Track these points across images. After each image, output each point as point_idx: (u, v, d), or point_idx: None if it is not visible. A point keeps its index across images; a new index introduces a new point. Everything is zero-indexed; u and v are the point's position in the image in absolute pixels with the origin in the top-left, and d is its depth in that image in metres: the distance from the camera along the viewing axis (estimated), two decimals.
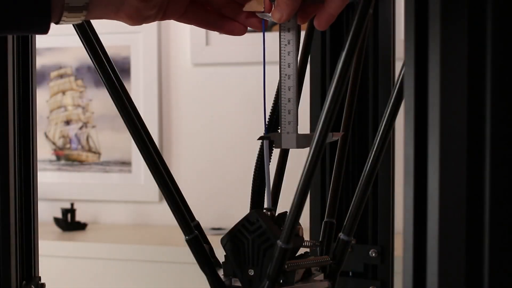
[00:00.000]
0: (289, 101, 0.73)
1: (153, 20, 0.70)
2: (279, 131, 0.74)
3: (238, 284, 0.75)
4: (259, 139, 0.76)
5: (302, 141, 0.72)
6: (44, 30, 0.62)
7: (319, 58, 1.08)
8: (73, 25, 0.75)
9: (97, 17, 0.67)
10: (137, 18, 0.68)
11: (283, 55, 0.72)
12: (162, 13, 0.70)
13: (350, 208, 0.78)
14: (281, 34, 0.72)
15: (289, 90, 0.72)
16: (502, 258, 0.38)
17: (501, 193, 0.38)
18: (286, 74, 0.72)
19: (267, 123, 0.79)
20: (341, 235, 0.78)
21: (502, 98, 0.38)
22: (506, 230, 0.38)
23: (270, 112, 0.79)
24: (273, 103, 0.79)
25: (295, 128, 0.73)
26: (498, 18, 0.38)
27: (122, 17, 0.67)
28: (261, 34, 0.75)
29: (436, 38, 0.39)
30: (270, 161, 0.77)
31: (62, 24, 0.64)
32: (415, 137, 0.41)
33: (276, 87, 0.80)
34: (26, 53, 0.82)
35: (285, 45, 0.72)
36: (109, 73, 0.75)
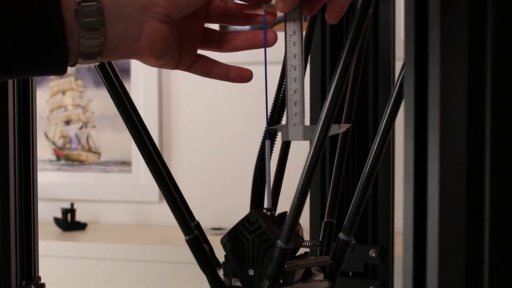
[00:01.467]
0: (295, 92, 0.72)
1: (169, 65, 0.70)
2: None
3: (238, 284, 0.75)
4: (267, 129, 0.75)
5: (308, 133, 0.72)
6: (60, 73, 0.63)
7: (319, 58, 1.08)
8: None
9: (112, 59, 0.68)
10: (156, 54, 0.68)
11: (288, 46, 0.72)
12: (176, 60, 0.70)
13: (350, 208, 0.78)
14: (286, 24, 0.71)
15: (295, 81, 0.72)
16: (502, 258, 0.38)
17: (501, 193, 0.38)
18: (292, 65, 0.72)
19: (268, 116, 0.78)
20: (341, 235, 0.78)
21: (502, 98, 0.38)
22: (506, 230, 0.38)
23: (272, 107, 0.79)
24: (273, 101, 0.79)
25: (301, 119, 0.72)
26: (498, 18, 0.38)
27: (140, 54, 0.67)
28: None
29: (436, 38, 0.39)
30: (270, 161, 0.77)
31: (77, 66, 0.65)
32: (415, 137, 0.41)
33: (277, 87, 0.80)
34: None
35: (291, 35, 0.71)
36: (109, 73, 0.75)
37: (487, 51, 0.38)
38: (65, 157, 2.07)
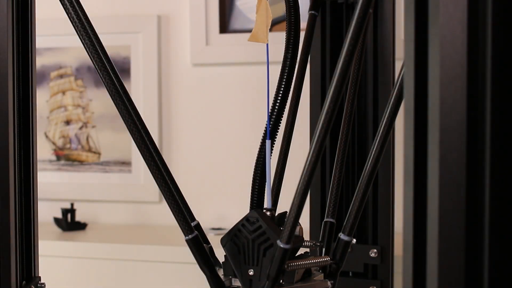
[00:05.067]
0: None
1: None
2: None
3: (238, 284, 0.75)
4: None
5: None
6: None
7: (319, 58, 1.08)
8: (72, 24, 0.75)
9: None
10: None
11: None
12: None
13: (350, 208, 0.78)
14: None
15: None
16: (502, 258, 0.38)
17: (501, 193, 0.38)
18: None
19: (268, 125, 0.78)
20: (341, 235, 0.78)
21: (502, 98, 0.38)
22: (506, 230, 0.38)
23: (272, 106, 0.78)
24: (273, 100, 0.79)
25: None
26: (498, 18, 0.38)
27: None
28: None
29: (436, 38, 0.39)
30: (270, 161, 0.77)
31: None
32: (415, 137, 0.41)
33: (276, 86, 0.80)
34: (26, 53, 0.82)
35: None
36: (109, 73, 0.75)
37: (487, 51, 0.38)
38: (65, 157, 2.07)
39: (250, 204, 0.78)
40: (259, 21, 0.73)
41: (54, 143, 2.07)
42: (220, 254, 0.79)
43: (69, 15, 0.76)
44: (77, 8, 0.76)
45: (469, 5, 0.38)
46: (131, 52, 1.97)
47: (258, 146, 0.79)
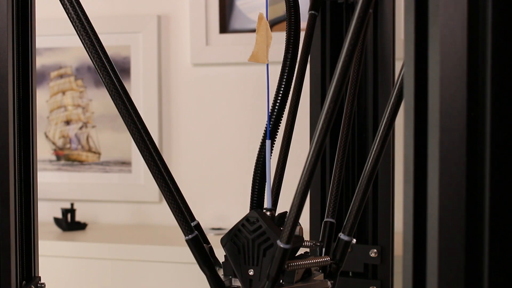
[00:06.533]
0: None
1: None
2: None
3: (238, 284, 0.75)
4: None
5: None
6: None
7: (319, 58, 1.08)
8: (72, 24, 0.75)
9: None
10: None
11: None
12: None
13: (350, 208, 0.78)
14: None
15: None
16: (502, 258, 0.38)
17: (501, 193, 0.38)
18: None
19: (267, 126, 0.78)
20: (341, 235, 0.78)
21: (502, 98, 0.38)
22: (506, 230, 0.38)
23: (272, 106, 0.78)
24: (273, 100, 0.79)
25: None
26: (498, 18, 0.38)
27: None
28: None
29: (436, 38, 0.39)
30: (270, 161, 0.77)
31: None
32: (415, 137, 0.41)
33: (276, 86, 0.80)
34: (26, 53, 0.82)
35: None
36: (109, 73, 0.75)
37: (486, 51, 0.38)
38: (65, 157, 2.07)
39: (250, 204, 0.78)
40: (260, 41, 0.73)
41: (54, 143, 2.07)
42: (220, 254, 0.79)
43: (69, 15, 0.76)
44: (77, 8, 0.76)
45: (469, 5, 0.38)
46: (131, 52, 1.97)
47: (258, 146, 0.79)
